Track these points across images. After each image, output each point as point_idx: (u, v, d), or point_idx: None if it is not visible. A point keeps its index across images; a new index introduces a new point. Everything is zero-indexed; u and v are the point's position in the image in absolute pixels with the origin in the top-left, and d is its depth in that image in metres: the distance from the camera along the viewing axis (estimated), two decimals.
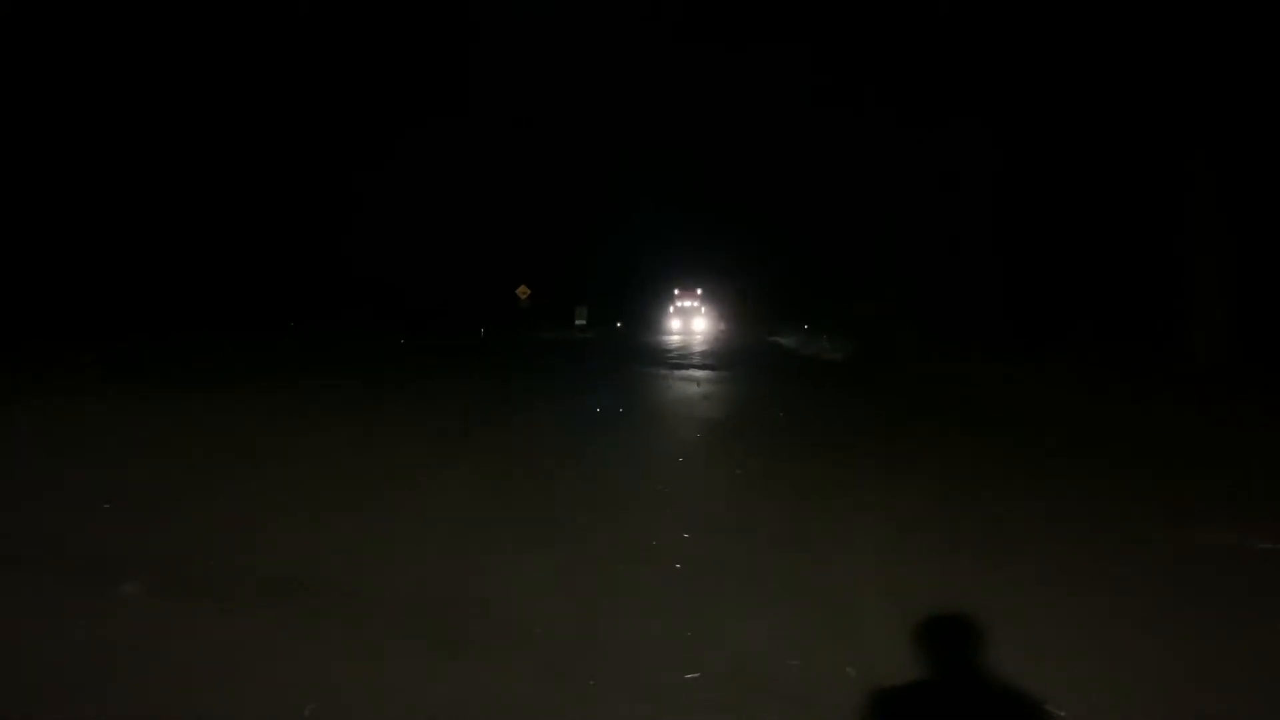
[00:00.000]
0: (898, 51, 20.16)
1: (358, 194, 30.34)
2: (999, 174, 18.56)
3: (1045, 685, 2.84)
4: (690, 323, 41.48)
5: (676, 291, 43.28)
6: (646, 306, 45.97)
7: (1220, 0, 12.17)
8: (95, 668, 2.94)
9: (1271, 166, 12.85)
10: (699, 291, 43.65)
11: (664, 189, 48.47)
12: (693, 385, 13.15)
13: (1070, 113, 16.14)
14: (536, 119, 36.68)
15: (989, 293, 19.10)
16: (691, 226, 48.60)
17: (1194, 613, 3.62)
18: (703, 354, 21.49)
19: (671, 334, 37.43)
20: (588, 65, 38.67)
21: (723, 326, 42.22)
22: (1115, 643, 3.28)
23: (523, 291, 32.76)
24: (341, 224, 30.23)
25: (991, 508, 5.44)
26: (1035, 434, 8.74)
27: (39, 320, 19.39)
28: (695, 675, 2.93)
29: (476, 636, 3.26)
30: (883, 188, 23.20)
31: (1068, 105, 16.12)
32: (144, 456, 6.58)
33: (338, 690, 2.80)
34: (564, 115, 39.94)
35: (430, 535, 4.62)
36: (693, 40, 36.94)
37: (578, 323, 36.80)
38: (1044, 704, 2.73)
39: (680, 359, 19.33)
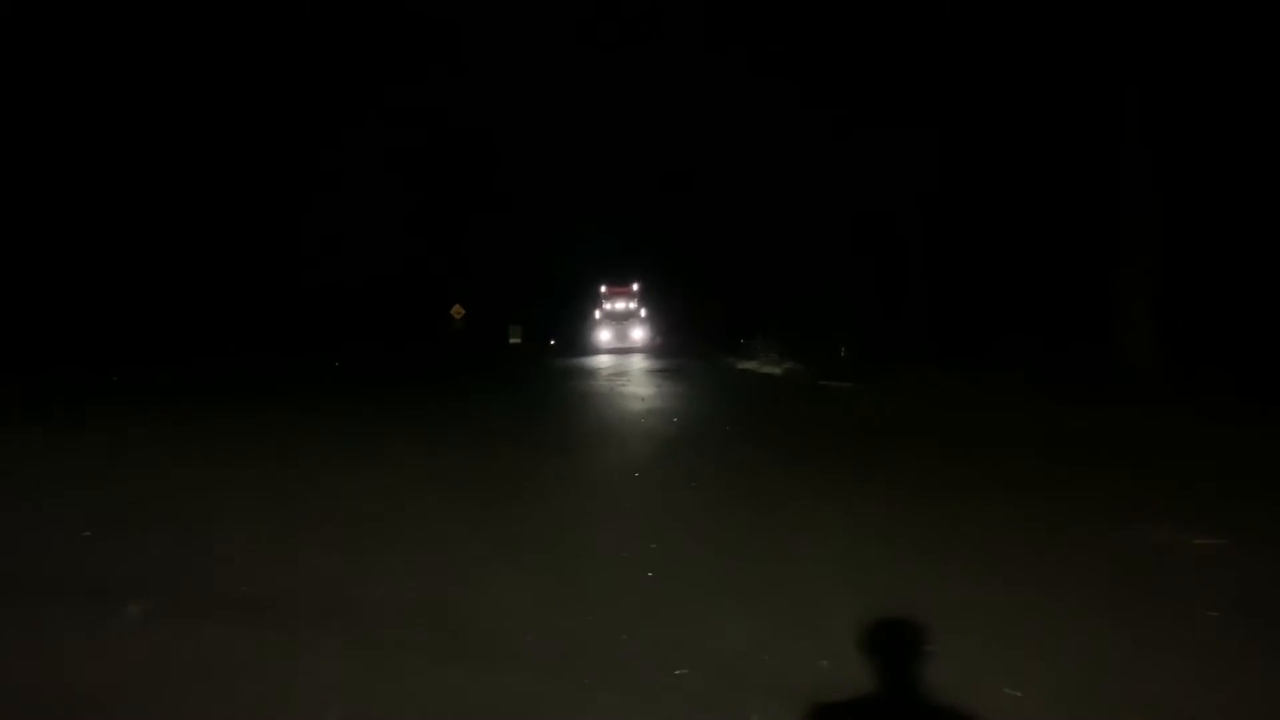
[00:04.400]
0: (837, 61, 20.65)
1: (287, 216, 29.78)
2: (933, 187, 19.32)
3: (999, 669, 3.15)
4: (625, 332, 32.57)
5: (604, 289, 33.49)
6: (579, 322, 37.05)
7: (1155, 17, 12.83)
8: (129, 687, 3.02)
9: (1196, 178, 13.64)
10: (635, 288, 33.81)
11: (602, 201, 41.39)
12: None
13: (1003, 121, 16.90)
14: (471, 133, 35.77)
15: (924, 304, 19.88)
16: (628, 230, 41.08)
17: (1137, 601, 3.98)
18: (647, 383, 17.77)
19: (600, 351, 30.81)
20: (522, 78, 37.90)
21: (659, 340, 33.82)
22: (1067, 628, 3.62)
23: (457, 312, 32.55)
24: (271, 244, 29.61)
25: (947, 511, 5.78)
26: (978, 443, 9.19)
27: None
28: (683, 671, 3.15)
29: (473, 643, 3.43)
30: (818, 198, 23.79)
31: (1001, 115, 16.88)
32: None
33: (353, 696, 2.93)
34: (506, 131, 38.27)
35: (406, 554, 4.74)
36: (627, 43, 36.07)
37: (512, 341, 36.61)
38: (998, 685, 3.03)
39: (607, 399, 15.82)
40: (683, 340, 33.22)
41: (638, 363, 24.28)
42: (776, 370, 20.44)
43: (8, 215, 22.75)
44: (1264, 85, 13.01)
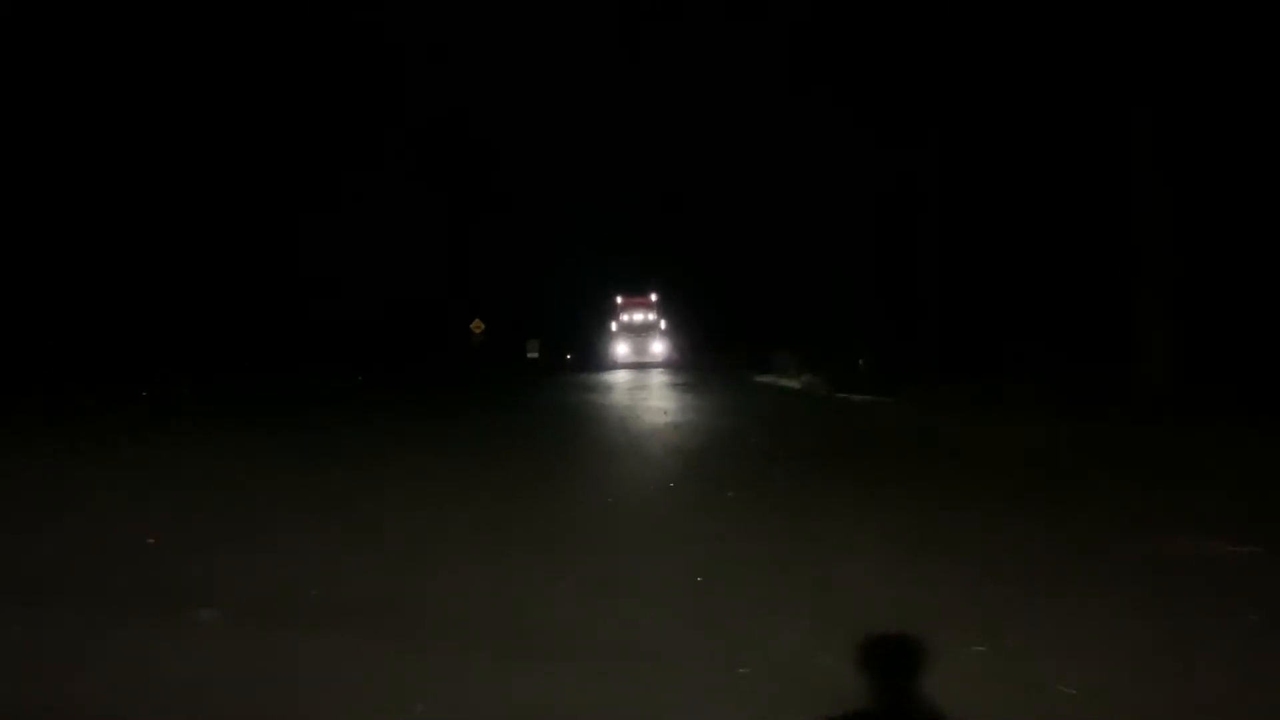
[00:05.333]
0: (860, 76, 20.81)
1: (308, 236, 30.13)
2: (950, 204, 19.42)
3: (1050, 669, 3.26)
4: (643, 345, 30.54)
5: (620, 300, 31.34)
6: (595, 336, 35.67)
7: (1166, 34, 12.89)
8: (202, 688, 3.16)
9: (1214, 198, 13.67)
10: (653, 299, 31.57)
11: (616, 214, 41.34)
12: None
13: (1022, 137, 16.98)
14: (487, 148, 35.99)
15: (938, 318, 19.93)
16: (645, 242, 40.09)
17: (1179, 606, 4.08)
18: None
19: (617, 366, 29.52)
20: (531, 89, 38.08)
21: (676, 355, 31.52)
22: (1113, 631, 3.72)
23: (477, 326, 32.81)
24: (294, 264, 29.91)
25: (980, 522, 5.88)
26: (1002, 456, 9.28)
27: None
28: (745, 671, 3.27)
29: (527, 643, 3.57)
30: (838, 215, 23.91)
31: (1019, 130, 16.97)
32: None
33: (425, 693, 3.08)
34: (522, 141, 38.37)
35: (460, 556, 4.90)
36: (642, 49, 36.15)
37: (530, 355, 36.79)
38: (1051, 682, 3.14)
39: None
40: (701, 354, 32.43)
41: (657, 377, 24.39)
42: (795, 384, 20.54)
43: (36, 234, 23.10)
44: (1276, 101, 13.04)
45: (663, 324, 31.45)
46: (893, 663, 3.31)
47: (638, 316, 31.15)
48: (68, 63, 23.07)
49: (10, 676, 3.24)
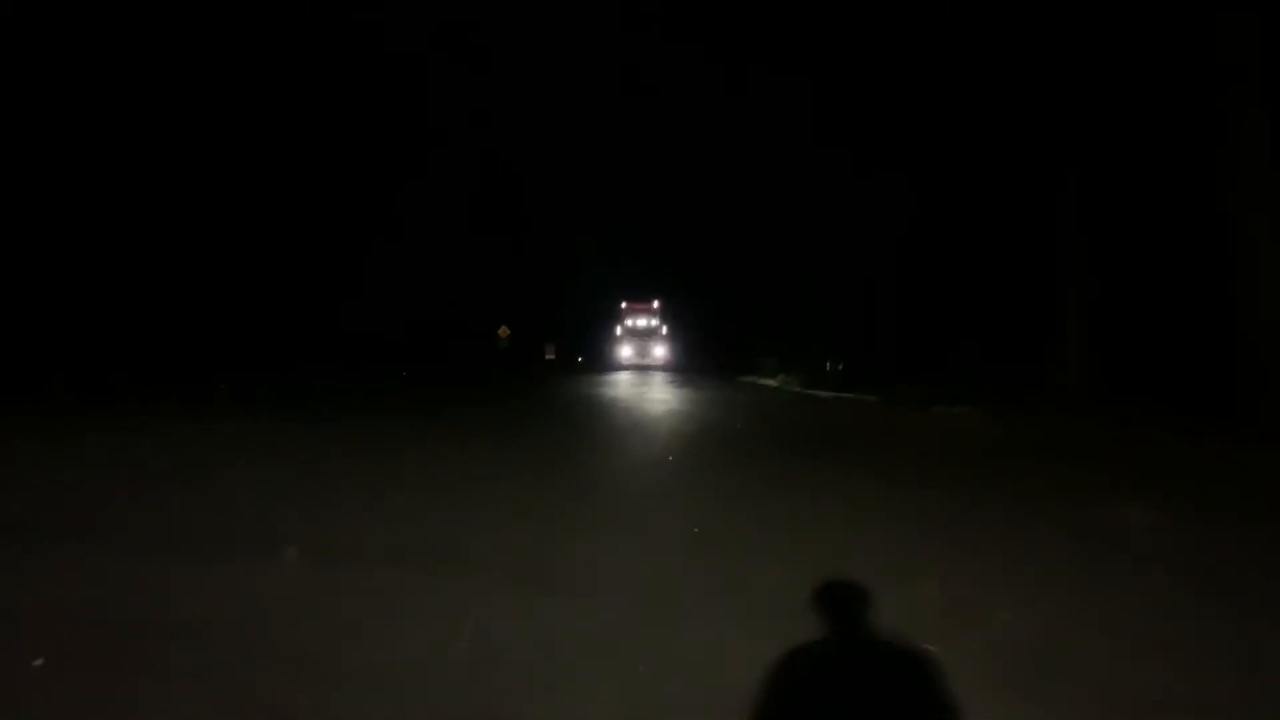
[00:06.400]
0: (828, 121, 21.04)
1: (358, 251, 30.14)
2: (904, 227, 19.59)
3: (989, 600, 3.36)
4: (647, 349, 29.46)
5: (625, 305, 30.25)
6: (603, 341, 34.70)
7: (1084, 65, 13.09)
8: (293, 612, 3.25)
9: (1124, 220, 13.88)
10: (655, 305, 30.38)
11: (622, 234, 39.90)
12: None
13: (969, 181, 17.19)
14: (505, 162, 35.72)
15: (894, 329, 20.08)
16: (646, 254, 39.06)
17: (1097, 558, 4.17)
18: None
19: (622, 367, 28.72)
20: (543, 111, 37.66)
21: (670, 358, 30.23)
22: (1043, 578, 3.82)
23: (503, 332, 32.84)
24: (337, 279, 29.95)
25: (926, 493, 5.97)
26: (944, 440, 9.38)
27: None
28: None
29: (550, 581, 3.66)
30: (809, 238, 24.09)
31: (962, 163, 17.17)
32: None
33: (470, 616, 3.16)
34: (537, 160, 37.89)
35: (497, 512, 4.99)
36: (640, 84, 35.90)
37: (547, 358, 36.80)
38: (993, 609, 3.23)
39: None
40: (694, 357, 32.28)
41: (657, 375, 24.47)
42: (773, 382, 20.64)
43: (115, 242, 22.92)
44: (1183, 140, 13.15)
45: (664, 330, 30.37)
46: (856, 596, 3.39)
47: (641, 322, 30.11)
48: (143, 73, 22.66)
49: (143, 595, 3.34)
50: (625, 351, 29.47)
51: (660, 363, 29.14)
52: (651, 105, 33.63)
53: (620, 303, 30.52)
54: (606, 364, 30.38)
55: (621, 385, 19.07)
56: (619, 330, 30.21)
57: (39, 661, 2.63)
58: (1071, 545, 4.42)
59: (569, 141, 38.27)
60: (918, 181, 18.58)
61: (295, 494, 5.52)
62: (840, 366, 19.04)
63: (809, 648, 2.81)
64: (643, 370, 27.56)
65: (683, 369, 27.79)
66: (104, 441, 8.09)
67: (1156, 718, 2.42)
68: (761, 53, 24.27)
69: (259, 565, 3.80)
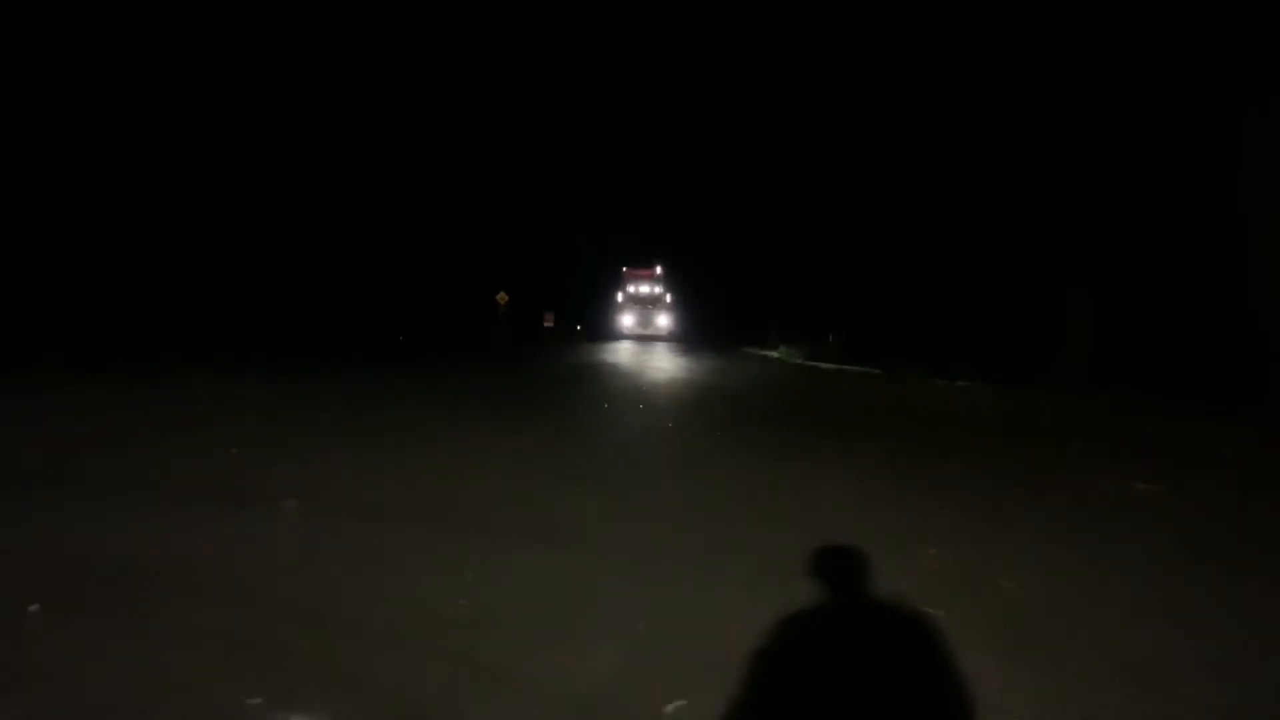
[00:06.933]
0: (844, 110, 20.84)
1: (360, 226, 30.23)
2: (908, 204, 19.45)
3: (991, 569, 3.35)
4: (649, 318, 27.42)
5: (626, 270, 28.29)
6: (604, 307, 31.97)
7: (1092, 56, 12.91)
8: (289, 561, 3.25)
9: (1132, 197, 13.76)
10: (658, 271, 28.46)
11: (628, 203, 38.33)
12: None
13: (971, 155, 17.00)
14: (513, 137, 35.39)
15: (895, 304, 20.01)
16: (650, 224, 37.22)
17: (1099, 528, 4.17)
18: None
19: (622, 337, 26.80)
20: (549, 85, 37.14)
21: (674, 328, 28.00)
22: (1045, 545, 3.82)
23: (501, 298, 32.66)
24: (348, 248, 30.02)
25: (930, 463, 5.97)
26: (948, 414, 9.37)
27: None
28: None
29: (550, 536, 3.66)
30: (811, 212, 23.94)
31: (970, 149, 16.98)
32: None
33: (471, 567, 3.16)
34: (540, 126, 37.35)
35: (499, 471, 4.99)
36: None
37: (546, 325, 36.57)
38: (994, 577, 3.23)
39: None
40: (697, 327, 31.19)
41: (659, 346, 24.34)
42: (774, 354, 20.62)
43: (139, 217, 23.17)
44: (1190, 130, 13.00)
45: (668, 297, 28.24)
46: (859, 560, 3.39)
47: (644, 288, 28.00)
48: (161, 61, 22.80)
49: (148, 541, 3.33)
50: (627, 321, 27.56)
51: (664, 333, 27.37)
52: (652, 93, 33.11)
53: (621, 267, 28.79)
54: (606, 333, 29.15)
55: (621, 353, 19.03)
56: (620, 297, 28.25)
57: (34, 607, 2.62)
58: (1074, 514, 4.42)
59: (569, 129, 37.62)
60: (922, 160, 18.40)
61: (290, 451, 5.50)
62: (844, 338, 18.94)
63: (810, 610, 2.81)
64: (645, 341, 26.31)
65: (685, 340, 27.47)
66: (100, 397, 8.08)
67: (1156, 676, 2.42)
68: (764, 38, 23.98)
69: (250, 518, 3.79)
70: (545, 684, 2.27)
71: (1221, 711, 2.24)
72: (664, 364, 15.71)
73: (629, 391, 10.52)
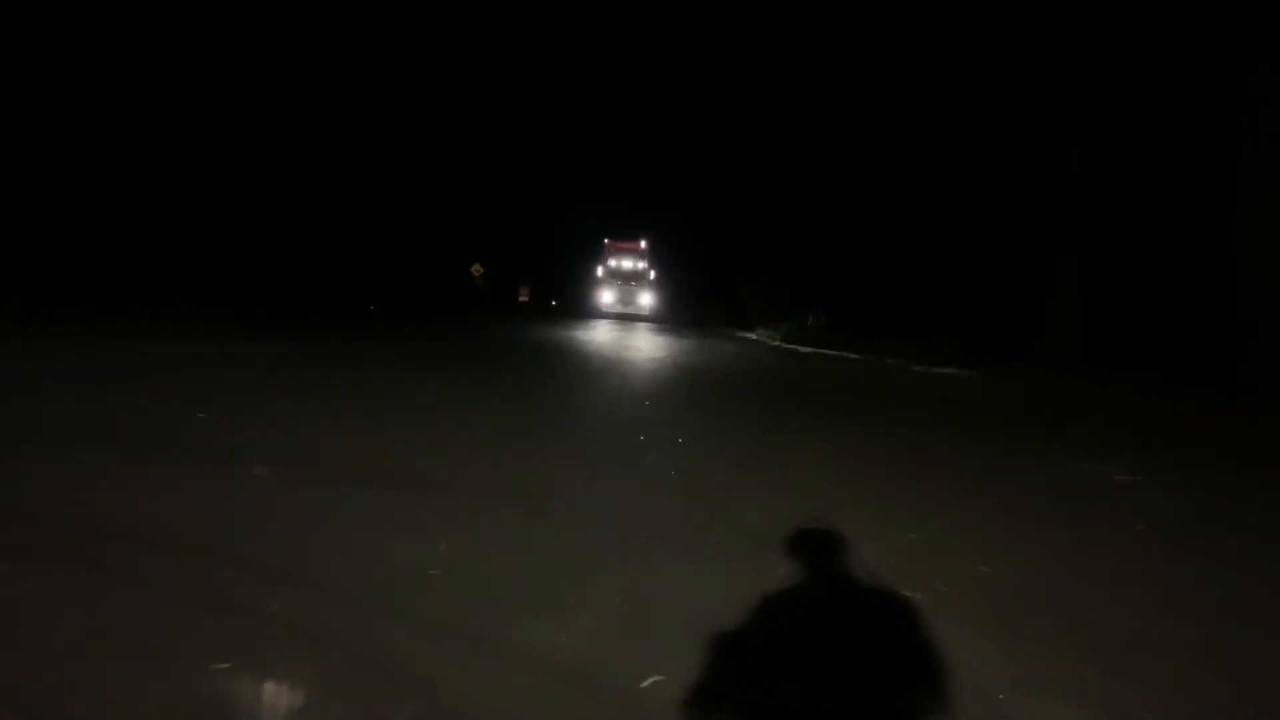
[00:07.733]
0: (823, 87, 20.81)
1: (341, 193, 29.76)
2: (895, 187, 19.53)
3: (968, 553, 3.39)
4: (631, 295, 26.31)
5: (609, 243, 27.03)
6: (583, 283, 30.88)
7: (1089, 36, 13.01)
8: (257, 525, 3.18)
9: (1119, 188, 13.95)
10: (643, 246, 27.22)
11: (613, 176, 37.72)
12: None
13: (959, 134, 17.11)
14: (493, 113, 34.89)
15: (883, 288, 20.14)
16: (633, 199, 36.57)
17: (1076, 517, 4.24)
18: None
19: (602, 315, 25.24)
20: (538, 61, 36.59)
21: (657, 306, 27.01)
22: (1022, 531, 3.87)
23: (477, 270, 32.32)
24: (328, 217, 29.57)
25: (907, 443, 6.02)
26: (927, 397, 9.46)
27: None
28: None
29: (528, 505, 3.63)
30: (797, 191, 23.93)
31: (958, 127, 17.08)
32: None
33: (446, 536, 3.12)
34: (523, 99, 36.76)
35: (473, 440, 4.93)
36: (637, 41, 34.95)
37: (520, 299, 36.20)
38: (971, 563, 3.26)
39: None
40: (678, 307, 30.80)
41: (640, 324, 24.11)
42: (752, 335, 20.69)
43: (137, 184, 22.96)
44: (1181, 109, 13.15)
45: (652, 274, 27.27)
46: (836, 540, 3.41)
47: (627, 263, 26.89)
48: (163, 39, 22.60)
49: (116, 502, 3.23)
50: (607, 297, 26.53)
51: (646, 311, 26.39)
52: (641, 71, 32.72)
53: (604, 240, 27.64)
54: (584, 310, 28.06)
55: (604, 331, 18.94)
56: (601, 271, 27.14)
57: None
58: (1054, 496, 4.50)
59: (559, 91, 36.86)
60: (910, 142, 18.45)
61: (259, 411, 5.39)
62: (823, 321, 19.00)
63: (787, 588, 2.82)
64: (625, 320, 24.89)
65: (667, 319, 27.21)
66: (58, 351, 7.84)
67: (1131, 654, 2.46)
68: (753, 12, 23.81)
69: (218, 477, 3.71)
70: (521, 649, 2.25)
71: (1196, 687, 2.29)
72: (641, 344, 15.67)
73: (615, 372, 10.49)
